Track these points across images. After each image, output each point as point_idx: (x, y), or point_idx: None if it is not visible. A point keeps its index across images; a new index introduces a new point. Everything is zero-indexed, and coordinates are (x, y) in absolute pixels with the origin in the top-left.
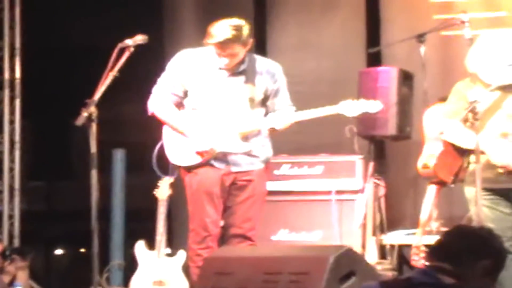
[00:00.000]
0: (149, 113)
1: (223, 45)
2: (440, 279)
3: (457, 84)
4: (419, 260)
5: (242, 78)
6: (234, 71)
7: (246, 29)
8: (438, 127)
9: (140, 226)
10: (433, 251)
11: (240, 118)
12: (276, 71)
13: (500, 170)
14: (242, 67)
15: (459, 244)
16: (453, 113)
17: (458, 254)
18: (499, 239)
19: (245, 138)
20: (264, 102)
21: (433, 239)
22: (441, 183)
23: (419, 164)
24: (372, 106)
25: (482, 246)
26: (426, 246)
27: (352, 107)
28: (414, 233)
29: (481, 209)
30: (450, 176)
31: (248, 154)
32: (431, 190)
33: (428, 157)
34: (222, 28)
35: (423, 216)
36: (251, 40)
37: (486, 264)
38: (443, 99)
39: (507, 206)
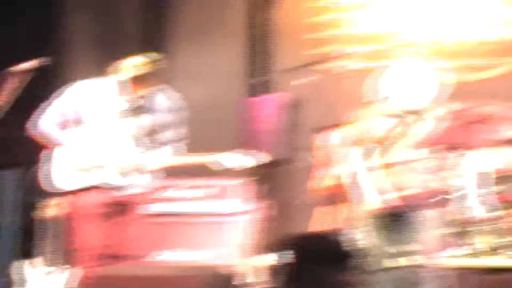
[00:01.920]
0: (38, 130)
1: (129, 81)
2: None
3: (357, 111)
4: None
5: (137, 112)
6: (132, 104)
7: (156, 65)
8: (330, 153)
9: (28, 244)
10: None
11: (124, 152)
12: (174, 103)
13: None
14: (140, 102)
15: None
16: (355, 139)
17: None
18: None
19: (124, 172)
20: (154, 133)
21: None
22: (331, 205)
23: (312, 186)
24: (259, 158)
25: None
26: None
27: (231, 159)
28: None
29: (370, 232)
30: (340, 199)
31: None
32: (320, 212)
33: (322, 181)
34: (129, 64)
35: None
36: (155, 76)
37: None
38: (331, 126)
39: (394, 228)
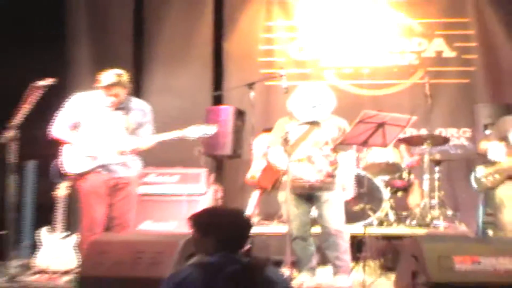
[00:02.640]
0: (52, 137)
1: (108, 88)
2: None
3: (278, 120)
4: None
5: (121, 112)
6: (116, 108)
7: (125, 77)
8: (263, 150)
9: (45, 216)
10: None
11: (117, 140)
12: (146, 110)
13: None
14: (122, 105)
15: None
16: (274, 140)
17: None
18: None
19: (121, 154)
20: (135, 130)
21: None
22: (263, 190)
23: (248, 175)
24: (209, 129)
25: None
26: None
27: (194, 131)
28: None
29: (290, 208)
30: (270, 185)
31: (124, 165)
32: (255, 194)
33: (255, 171)
34: (108, 75)
35: (247, 213)
36: (129, 85)
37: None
38: (266, 130)
39: (307, 207)
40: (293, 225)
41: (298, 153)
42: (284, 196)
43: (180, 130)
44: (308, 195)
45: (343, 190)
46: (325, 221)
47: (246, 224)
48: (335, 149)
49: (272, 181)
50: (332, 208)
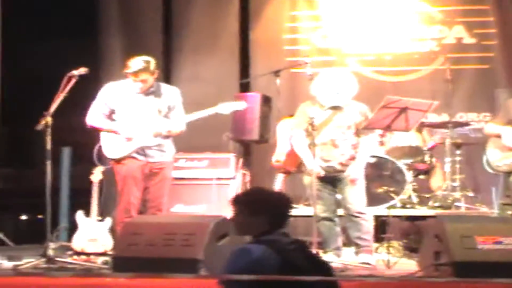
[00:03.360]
0: (88, 126)
1: (136, 74)
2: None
3: (301, 104)
4: None
5: (151, 97)
6: (146, 93)
7: (153, 64)
8: (288, 134)
9: (80, 200)
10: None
11: (152, 123)
12: (175, 93)
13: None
14: (152, 90)
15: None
16: (298, 124)
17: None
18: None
19: (156, 136)
20: (167, 114)
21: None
22: (287, 173)
23: (273, 159)
24: (239, 104)
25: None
26: None
27: (225, 107)
28: None
29: (314, 190)
30: (294, 168)
31: (160, 149)
32: (280, 178)
33: (279, 154)
34: (136, 62)
35: None
36: (157, 71)
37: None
38: (291, 115)
39: (331, 189)
40: (319, 207)
41: (322, 137)
42: (309, 179)
43: (212, 107)
44: (332, 178)
45: (352, 170)
46: (347, 202)
47: (290, 202)
48: (357, 133)
49: (296, 164)
50: (353, 190)
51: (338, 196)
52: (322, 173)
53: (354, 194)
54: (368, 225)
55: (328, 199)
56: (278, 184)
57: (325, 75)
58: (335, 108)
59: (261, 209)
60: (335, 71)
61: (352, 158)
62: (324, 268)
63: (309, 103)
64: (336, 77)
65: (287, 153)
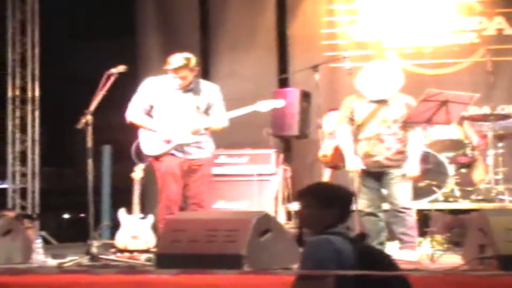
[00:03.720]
0: (127, 122)
1: (176, 70)
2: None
3: (346, 98)
4: None
5: (190, 94)
6: (185, 90)
7: (193, 60)
8: (333, 128)
9: (122, 198)
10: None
11: (190, 120)
12: (215, 90)
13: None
14: (191, 87)
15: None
16: (341, 119)
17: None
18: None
19: (195, 133)
20: (206, 111)
21: None
22: (335, 168)
23: (320, 154)
24: (278, 102)
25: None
26: None
27: (264, 105)
28: None
29: (359, 185)
30: (342, 163)
31: (198, 146)
32: (327, 172)
33: (326, 149)
34: (176, 58)
35: None
36: (197, 68)
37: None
38: (332, 109)
39: (376, 184)
40: (363, 202)
41: (367, 131)
42: (353, 174)
43: (251, 105)
44: (378, 173)
45: (410, 167)
46: (393, 198)
47: (355, 196)
48: (404, 127)
49: (344, 159)
50: (400, 185)
51: (383, 191)
52: (360, 168)
53: (401, 190)
54: (413, 221)
55: (373, 194)
56: (326, 179)
57: (370, 68)
58: (381, 101)
59: (332, 201)
60: (380, 64)
61: (399, 153)
62: (391, 261)
63: (354, 96)
64: (381, 70)
65: (334, 147)
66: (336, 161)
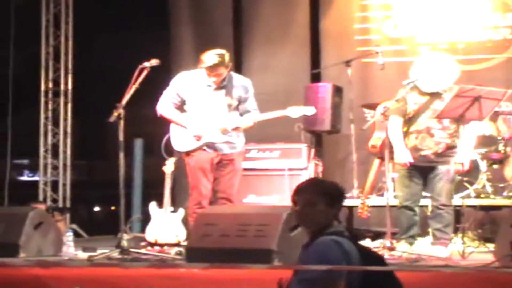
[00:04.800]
0: (158, 115)
1: (211, 68)
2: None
3: (400, 89)
4: (363, 213)
5: (223, 91)
6: (218, 86)
7: (227, 57)
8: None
9: (153, 191)
10: None
11: (221, 118)
12: (247, 85)
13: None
14: (224, 83)
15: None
16: (395, 110)
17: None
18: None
19: (224, 132)
20: (238, 106)
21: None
22: (383, 158)
23: (369, 144)
24: (308, 110)
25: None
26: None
27: (294, 111)
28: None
29: (402, 178)
30: (390, 154)
31: (229, 141)
32: (376, 163)
33: (376, 139)
34: (210, 56)
35: (368, 183)
36: (230, 64)
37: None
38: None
39: (420, 179)
40: (402, 195)
41: (418, 124)
42: (399, 167)
43: (281, 110)
44: (424, 167)
45: (459, 163)
46: (436, 194)
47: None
48: (456, 121)
49: (392, 150)
50: (444, 181)
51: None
52: (408, 162)
53: (444, 187)
54: (450, 219)
55: (415, 188)
56: (374, 169)
57: (426, 59)
58: (434, 94)
59: (338, 200)
60: (436, 55)
61: (448, 148)
62: (382, 258)
63: (408, 88)
64: (438, 61)
65: (384, 139)
66: (381, 154)
